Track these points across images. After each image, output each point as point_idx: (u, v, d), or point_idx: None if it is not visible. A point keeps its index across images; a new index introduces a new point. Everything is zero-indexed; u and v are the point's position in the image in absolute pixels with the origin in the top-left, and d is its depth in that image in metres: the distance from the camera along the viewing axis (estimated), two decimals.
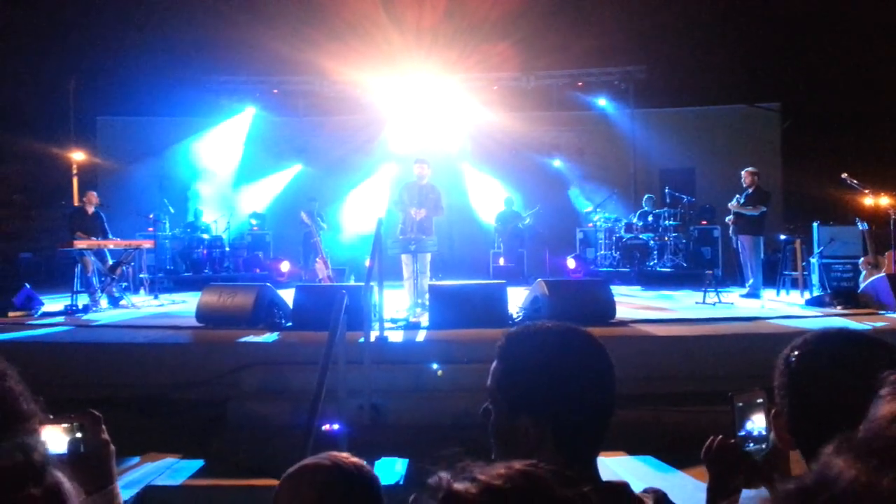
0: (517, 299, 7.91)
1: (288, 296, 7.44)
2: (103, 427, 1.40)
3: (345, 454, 1.34)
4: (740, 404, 1.44)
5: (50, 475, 0.85)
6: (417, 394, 5.51)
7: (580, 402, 1.22)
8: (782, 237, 10.45)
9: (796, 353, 1.18)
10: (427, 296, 7.51)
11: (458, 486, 0.76)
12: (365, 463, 1.38)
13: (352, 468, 1.37)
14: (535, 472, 0.79)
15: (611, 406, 1.26)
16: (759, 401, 1.42)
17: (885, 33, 13.68)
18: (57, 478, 0.85)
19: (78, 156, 15.15)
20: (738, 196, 9.66)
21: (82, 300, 8.92)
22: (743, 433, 1.42)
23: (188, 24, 13.77)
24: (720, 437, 1.48)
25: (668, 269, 12.16)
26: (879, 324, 6.70)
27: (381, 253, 6.74)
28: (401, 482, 4.03)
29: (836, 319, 7.05)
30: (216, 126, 15.18)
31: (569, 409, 1.21)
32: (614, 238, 12.96)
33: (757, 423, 1.42)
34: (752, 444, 1.41)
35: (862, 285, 8.66)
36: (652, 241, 12.49)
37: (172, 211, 13.26)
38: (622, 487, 1.22)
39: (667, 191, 12.93)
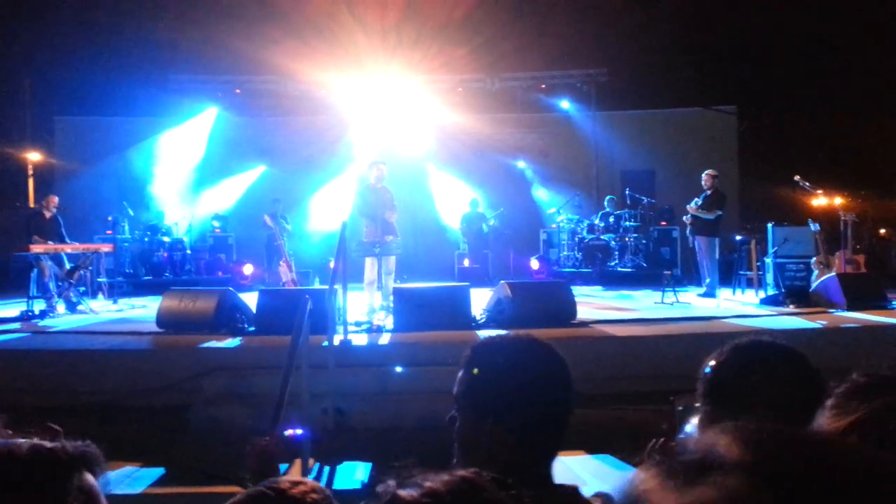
0: (482, 301, 7.98)
1: (251, 299, 7.39)
2: None
3: (292, 479, 1.20)
4: (680, 407, 1.50)
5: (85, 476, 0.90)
6: (381, 396, 5.54)
7: (541, 408, 1.29)
8: (738, 238, 10.73)
9: (712, 363, 1.24)
10: (391, 298, 7.54)
11: (403, 492, 0.82)
12: (318, 487, 1.16)
13: (298, 498, 1.13)
14: (474, 478, 0.86)
15: (567, 412, 1.34)
16: (698, 404, 1.49)
17: (837, 38, 14.14)
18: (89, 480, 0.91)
19: (34, 156, 14.81)
20: (696, 199, 9.89)
21: (39, 306, 8.72)
22: (683, 435, 1.49)
23: (149, 22, 13.56)
24: (662, 439, 1.54)
25: (629, 270, 12.39)
26: (823, 323, 6.94)
27: (346, 255, 6.76)
28: (364, 486, 4.06)
29: (786, 319, 7.29)
30: (177, 126, 14.94)
31: (530, 415, 1.29)
32: (577, 239, 13.16)
33: (695, 424, 1.48)
34: None
35: (814, 284, 8.95)
36: (613, 242, 12.72)
37: (132, 213, 13.02)
38: (573, 490, 1.29)
39: (627, 192, 13.16)
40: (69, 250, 9.37)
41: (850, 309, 7.66)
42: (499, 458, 1.29)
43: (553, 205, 14.46)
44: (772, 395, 1.01)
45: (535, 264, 12.83)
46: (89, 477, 0.92)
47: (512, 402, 1.30)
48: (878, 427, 0.63)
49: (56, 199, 9.76)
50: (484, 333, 6.66)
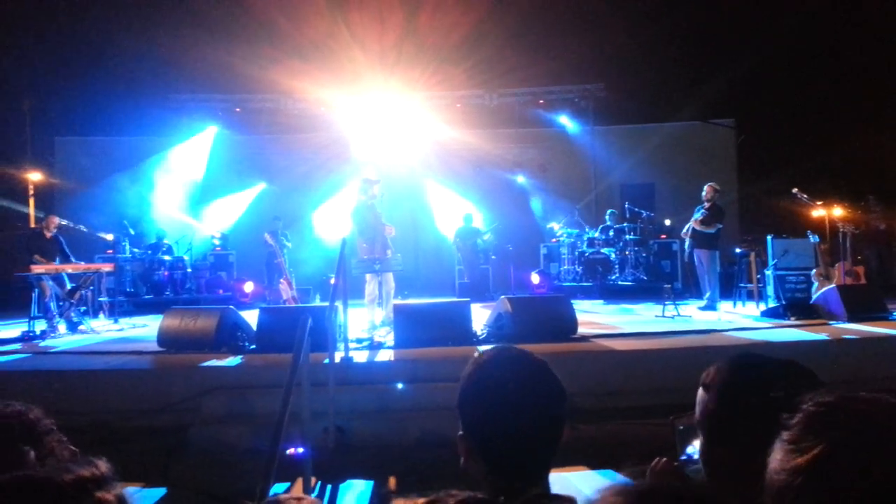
0: (483, 316, 7.98)
1: (252, 317, 7.39)
2: None
3: (294, 496, 1.24)
4: (681, 427, 1.48)
5: (117, 486, 0.94)
6: (382, 414, 5.51)
7: (513, 427, 1.28)
8: (738, 250, 10.73)
9: (706, 384, 1.22)
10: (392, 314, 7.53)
11: None
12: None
13: None
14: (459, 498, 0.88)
15: (551, 430, 1.32)
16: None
17: (834, 49, 14.23)
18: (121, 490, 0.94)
19: (35, 176, 14.87)
20: (699, 208, 9.90)
21: (40, 326, 8.73)
22: (685, 457, 1.47)
23: (148, 42, 13.65)
24: (664, 459, 1.52)
25: (630, 283, 12.38)
26: (823, 335, 6.93)
27: (346, 272, 6.76)
28: None
29: (787, 331, 7.27)
30: (177, 145, 15.03)
31: (499, 433, 1.28)
32: (577, 253, 13.16)
33: (697, 445, 1.46)
34: (693, 467, 1.44)
35: (814, 296, 8.94)
36: (613, 256, 12.72)
37: (132, 232, 13.03)
38: (570, 502, 1.29)
39: (626, 206, 13.19)
40: (70, 270, 9.38)
41: (850, 320, 7.66)
42: (470, 465, 1.30)
43: (553, 219, 14.49)
44: (765, 407, 1.01)
45: (535, 279, 12.83)
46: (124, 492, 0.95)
47: (479, 417, 1.31)
48: (834, 465, 0.65)
49: (56, 220, 9.78)
50: (485, 349, 6.64)
